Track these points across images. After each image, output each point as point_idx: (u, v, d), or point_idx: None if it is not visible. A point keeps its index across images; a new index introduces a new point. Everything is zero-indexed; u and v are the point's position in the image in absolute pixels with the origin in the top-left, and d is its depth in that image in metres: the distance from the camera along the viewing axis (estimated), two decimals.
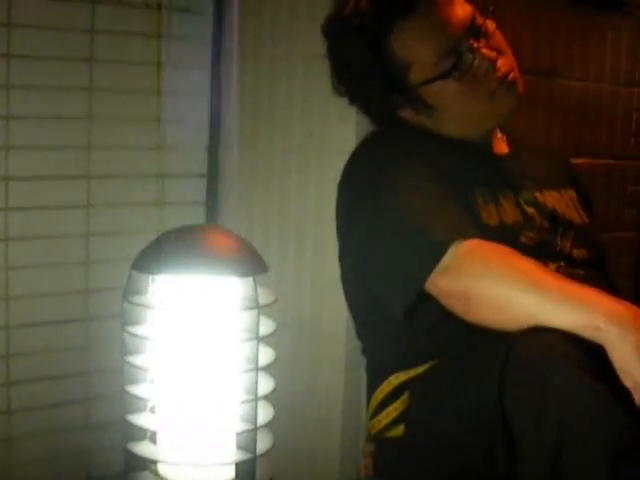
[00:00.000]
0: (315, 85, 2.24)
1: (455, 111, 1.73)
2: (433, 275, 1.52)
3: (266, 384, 1.42)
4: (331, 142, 2.24)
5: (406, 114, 1.77)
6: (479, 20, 1.70)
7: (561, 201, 1.81)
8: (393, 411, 1.67)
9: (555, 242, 1.72)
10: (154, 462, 1.42)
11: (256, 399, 1.38)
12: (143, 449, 1.41)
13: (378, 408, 1.71)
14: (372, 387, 1.76)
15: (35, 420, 2.19)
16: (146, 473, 1.42)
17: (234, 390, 1.40)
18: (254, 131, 2.43)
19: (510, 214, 1.72)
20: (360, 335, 1.85)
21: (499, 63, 1.70)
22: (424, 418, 1.59)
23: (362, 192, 1.70)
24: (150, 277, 1.39)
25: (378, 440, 1.72)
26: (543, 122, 2.49)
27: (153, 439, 1.43)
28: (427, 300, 1.57)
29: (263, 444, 1.41)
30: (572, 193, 1.87)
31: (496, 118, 1.77)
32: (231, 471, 1.42)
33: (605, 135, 2.70)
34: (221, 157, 2.47)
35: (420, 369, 1.63)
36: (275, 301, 1.41)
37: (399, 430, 1.64)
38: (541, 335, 1.39)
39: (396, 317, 1.62)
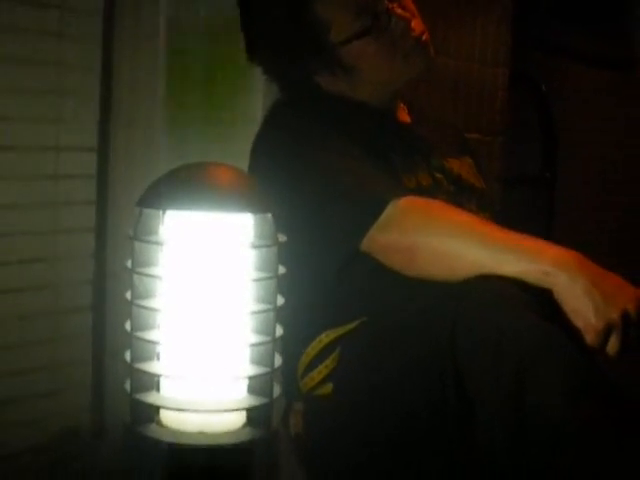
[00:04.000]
0: (219, 56, 2.20)
1: (373, 71, 1.77)
2: (372, 231, 1.54)
3: (278, 326, 1.38)
4: (236, 112, 2.20)
5: (322, 79, 1.78)
6: None
7: (462, 167, 1.88)
8: (324, 368, 1.66)
9: (462, 205, 1.77)
10: (160, 409, 1.35)
11: (274, 340, 1.34)
12: (150, 398, 1.33)
13: (310, 366, 1.69)
14: (297, 348, 1.72)
15: None
16: (152, 425, 1.34)
17: (248, 332, 1.35)
18: (151, 104, 2.35)
19: (424, 178, 1.76)
20: None
21: (413, 24, 1.75)
22: (357, 374, 1.59)
23: (283, 158, 1.69)
24: (160, 215, 1.31)
25: (307, 398, 1.70)
26: (425, 96, 2.55)
27: (159, 388, 1.36)
28: (358, 257, 1.58)
29: (276, 389, 1.37)
30: (470, 160, 1.95)
31: (407, 77, 1.83)
32: (242, 417, 1.36)
33: (475, 111, 2.80)
34: (112, 131, 2.37)
35: (350, 326, 1.64)
36: (286, 240, 1.37)
37: (328, 388, 1.64)
38: (491, 281, 1.43)
39: (329, 275, 1.62)
